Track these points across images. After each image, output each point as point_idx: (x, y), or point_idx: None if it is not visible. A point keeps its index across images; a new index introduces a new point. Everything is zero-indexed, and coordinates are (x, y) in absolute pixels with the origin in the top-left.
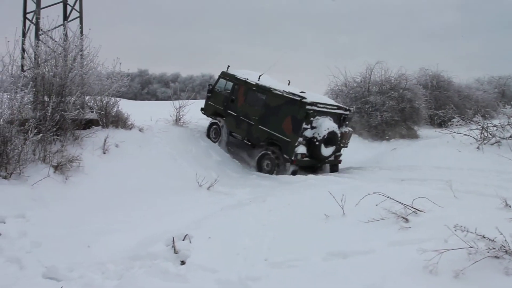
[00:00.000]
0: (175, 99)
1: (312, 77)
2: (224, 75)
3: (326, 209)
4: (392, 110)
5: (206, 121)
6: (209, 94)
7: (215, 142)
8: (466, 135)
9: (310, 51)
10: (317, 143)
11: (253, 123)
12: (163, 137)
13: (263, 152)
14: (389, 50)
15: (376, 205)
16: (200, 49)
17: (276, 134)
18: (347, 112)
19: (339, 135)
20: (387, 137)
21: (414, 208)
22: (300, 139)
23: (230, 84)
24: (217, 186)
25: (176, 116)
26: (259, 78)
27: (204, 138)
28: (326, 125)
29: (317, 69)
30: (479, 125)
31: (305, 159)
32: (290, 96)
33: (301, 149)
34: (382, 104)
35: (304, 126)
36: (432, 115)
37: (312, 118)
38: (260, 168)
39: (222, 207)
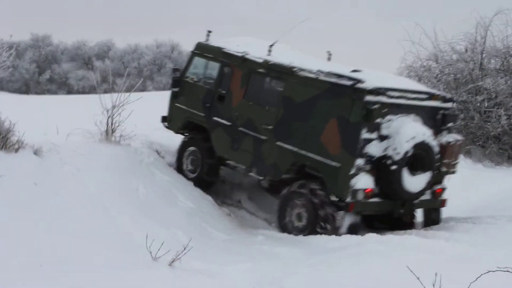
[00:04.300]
0: (104, 92)
1: (368, 48)
2: (202, 50)
3: None
4: None
5: (167, 134)
6: (176, 89)
7: (192, 180)
8: None
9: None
10: (392, 167)
11: (264, 137)
12: (81, 165)
13: (290, 192)
14: None
15: None
16: None
17: (311, 155)
18: (449, 105)
19: (436, 149)
20: None
21: None
22: (360, 161)
23: (214, 67)
24: (189, 258)
25: (107, 124)
26: (269, 50)
27: (161, 165)
28: (409, 131)
29: (374, 33)
30: None
31: (372, 200)
32: (333, 80)
33: (364, 181)
34: (511, 93)
35: (365, 135)
36: None
37: (380, 120)
38: (283, 225)
39: None
